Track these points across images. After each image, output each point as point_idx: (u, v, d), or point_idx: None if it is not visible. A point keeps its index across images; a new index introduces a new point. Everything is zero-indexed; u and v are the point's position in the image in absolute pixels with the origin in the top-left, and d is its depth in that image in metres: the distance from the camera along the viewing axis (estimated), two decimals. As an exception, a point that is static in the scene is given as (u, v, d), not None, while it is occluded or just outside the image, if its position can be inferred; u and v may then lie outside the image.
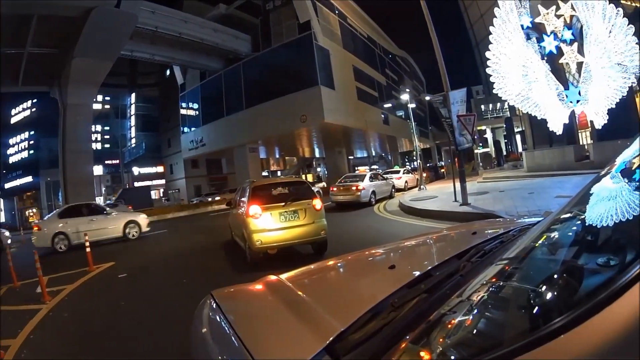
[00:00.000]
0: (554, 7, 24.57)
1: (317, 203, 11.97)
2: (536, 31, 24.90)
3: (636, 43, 22.28)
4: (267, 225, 11.19)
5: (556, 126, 24.71)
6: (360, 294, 2.44)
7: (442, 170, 57.75)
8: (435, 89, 34.18)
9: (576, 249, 1.65)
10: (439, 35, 18.88)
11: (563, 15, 24.48)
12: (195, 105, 60.90)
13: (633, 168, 1.64)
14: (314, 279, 3.00)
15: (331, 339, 1.63)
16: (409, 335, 1.53)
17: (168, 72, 68.27)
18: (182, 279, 11.08)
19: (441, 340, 1.47)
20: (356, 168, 69.09)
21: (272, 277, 2.68)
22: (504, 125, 62.84)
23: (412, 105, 39.45)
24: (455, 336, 1.46)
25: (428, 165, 65.49)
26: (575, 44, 24.17)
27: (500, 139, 69.34)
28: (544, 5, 24.87)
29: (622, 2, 24.12)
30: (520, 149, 53.51)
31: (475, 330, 1.48)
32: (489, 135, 70.92)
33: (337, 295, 2.45)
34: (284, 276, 2.70)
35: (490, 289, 1.71)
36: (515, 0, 24.30)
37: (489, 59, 23.90)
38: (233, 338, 1.85)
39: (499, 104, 68.85)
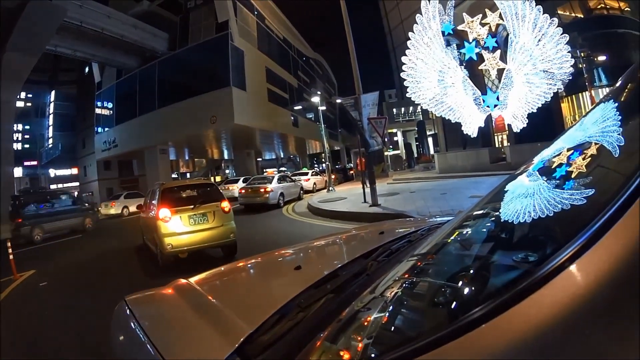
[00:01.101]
0: (480, 16, 25.44)
1: (226, 205, 12.27)
2: (458, 38, 25.76)
3: (568, 51, 23.16)
4: (177, 228, 11.30)
5: (471, 129, 25.41)
6: (268, 296, 2.47)
7: (351, 172, 57.89)
8: (347, 92, 34.69)
9: (491, 245, 1.67)
10: (357, 39, 18.88)
11: (489, 23, 25.30)
12: (110, 105, 58.89)
13: (552, 167, 1.65)
14: (222, 281, 3.03)
15: (241, 341, 1.65)
16: (320, 334, 1.54)
17: (87, 69, 64.89)
18: (99, 286, 10.90)
19: (357, 337, 1.47)
20: (264, 170, 68.80)
21: (182, 281, 2.69)
22: (416, 128, 64.07)
23: (322, 108, 39.65)
24: (370, 332, 1.45)
25: (337, 167, 65.46)
26: (498, 52, 25.04)
27: (411, 141, 70.34)
28: (469, 14, 25.83)
29: (559, 12, 25.40)
30: (432, 152, 54.63)
31: (390, 326, 1.47)
32: (399, 137, 71.68)
33: (244, 297, 2.49)
34: (193, 279, 2.73)
35: (403, 285, 1.71)
36: (440, 7, 25.00)
37: (404, 64, 24.37)
38: (148, 345, 1.83)
39: (411, 108, 70.30)
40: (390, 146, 68.98)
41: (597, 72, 38.79)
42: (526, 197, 1.56)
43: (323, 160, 55.91)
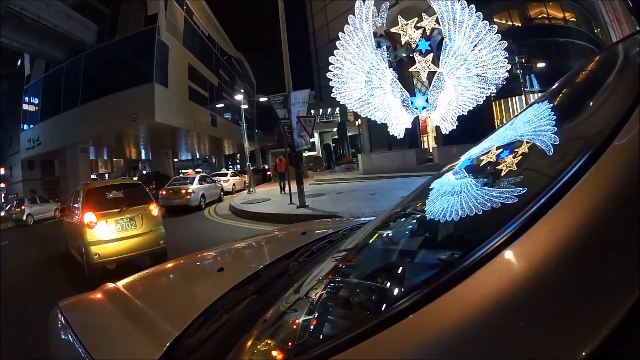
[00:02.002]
0: (415, 19, 26.34)
1: (154, 208, 11.04)
2: (390, 40, 26.81)
3: (505, 57, 24.41)
4: (104, 235, 9.96)
5: (397, 130, 26.44)
6: (192, 298, 2.45)
7: (269, 173, 56.45)
8: (266, 92, 34.33)
9: (415, 244, 1.66)
10: (278, 38, 18.45)
11: (424, 27, 26.33)
12: (36, 100, 54.38)
13: (480, 165, 1.75)
14: (149, 284, 2.98)
15: (168, 345, 1.65)
16: (247, 335, 1.54)
17: (19, 62, 60.86)
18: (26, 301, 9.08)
19: (285, 336, 1.48)
20: (180, 171, 67.01)
21: (110, 285, 2.64)
22: (336, 129, 64.45)
23: (245, 107, 38.84)
24: (297, 332, 1.44)
25: (253, 168, 65.01)
26: (431, 55, 26.07)
27: (329, 142, 70.69)
28: (404, 17, 26.54)
29: (495, 20, 26.94)
30: (352, 153, 55.09)
31: (315, 325, 1.45)
32: (316, 139, 71.68)
33: (170, 300, 2.47)
34: (120, 283, 2.67)
35: (327, 285, 1.69)
36: (374, 9, 25.60)
37: (331, 64, 25.29)
38: (81, 351, 1.81)
39: (329, 109, 70.55)
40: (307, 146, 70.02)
41: (536, 78, 40.91)
42: (452, 195, 1.60)
43: (238, 161, 55.15)
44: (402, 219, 2.00)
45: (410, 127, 27.13)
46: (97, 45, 47.71)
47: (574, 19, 46.05)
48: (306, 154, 66.13)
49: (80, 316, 2.37)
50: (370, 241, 1.95)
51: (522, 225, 0.98)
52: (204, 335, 1.70)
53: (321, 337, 1.37)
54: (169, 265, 3.50)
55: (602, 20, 47.09)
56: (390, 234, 1.93)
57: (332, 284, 1.69)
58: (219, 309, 1.93)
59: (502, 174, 1.46)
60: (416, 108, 26.25)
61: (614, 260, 0.83)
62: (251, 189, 30.85)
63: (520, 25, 44.03)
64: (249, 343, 1.48)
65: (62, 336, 2.14)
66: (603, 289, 0.80)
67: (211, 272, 2.83)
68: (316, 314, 1.50)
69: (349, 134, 60.29)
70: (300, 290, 1.73)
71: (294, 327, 1.49)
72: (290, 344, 1.40)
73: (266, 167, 68.70)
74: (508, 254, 0.95)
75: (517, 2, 44.04)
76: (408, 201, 2.07)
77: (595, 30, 46.79)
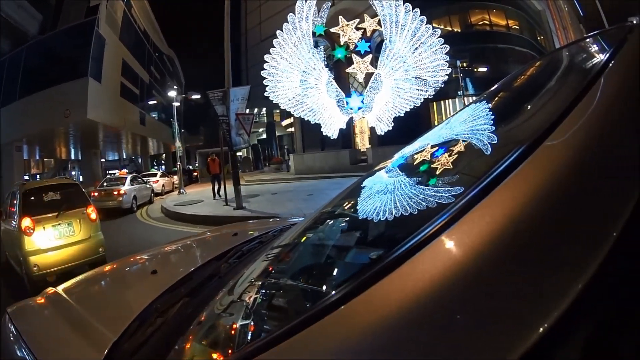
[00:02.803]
0: (357, 20, 26.78)
1: (92, 212, 10.10)
2: (328, 40, 27.04)
3: (445, 61, 25.06)
4: (43, 243, 9.01)
5: (331, 131, 26.88)
6: (128, 301, 2.46)
7: (195, 173, 55.98)
8: (195, 91, 33.71)
9: (345, 242, 1.71)
10: (212, 37, 18.23)
11: (365, 28, 26.75)
12: None
13: (414, 163, 1.80)
14: (87, 288, 2.96)
15: (107, 350, 1.67)
16: (181, 338, 1.56)
17: None
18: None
19: (219, 337, 1.53)
20: (107, 172, 65.51)
21: (52, 290, 2.63)
22: (262, 130, 64.52)
23: (177, 104, 37.56)
24: (230, 332, 1.50)
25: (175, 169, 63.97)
26: (370, 56, 26.51)
27: (256, 143, 70.63)
28: (346, 17, 26.96)
29: (434, 25, 27.01)
30: (281, 153, 55.23)
31: (248, 325, 1.48)
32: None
33: (107, 304, 2.45)
34: (61, 288, 2.65)
35: (258, 285, 1.73)
36: (315, 8, 25.96)
37: (263, 63, 25.53)
38: (29, 358, 1.83)
39: (256, 109, 69.84)
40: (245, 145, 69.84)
41: (476, 82, 41.56)
42: (385, 194, 1.63)
43: (163, 161, 54.22)
44: (333, 218, 2.06)
45: (344, 127, 27.49)
46: (39, 37, 45.36)
47: (517, 27, 47.70)
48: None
49: (27, 322, 2.33)
50: (300, 241, 2.01)
51: (446, 222, 0.98)
52: (141, 339, 1.69)
53: (252, 337, 1.39)
54: (106, 268, 3.40)
55: (548, 28, 49.66)
56: (320, 234, 1.99)
57: (262, 285, 1.73)
58: (153, 312, 1.94)
59: (436, 172, 1.50)
60: (351, 109, 26.58)
61: (538, 259, 0.84)
62: (181, 190, 30.01)
63: (459, 30, 45.22)
64: (187, 346, 1.52)
65: (12, 342, 2.10)
66: (525, 289, 0.80)
67: (145, 275, 2.86)
68: (249, 315, 1.51)
69: (277, 134, 60.61)
70: (232, 292, 1.76)
71: (228, 328, 1.52)
72: (225, 345, 1.44)
73: (191, 167, 67.88)
74: (430, 252, 0.95)
75: (459, 8, 45.03)
76: (339, 200, 2.14)
77: (539, 38, 49.44)
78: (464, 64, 36.46)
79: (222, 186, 20.51)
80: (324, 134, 27.22)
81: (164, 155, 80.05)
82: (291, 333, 1.00)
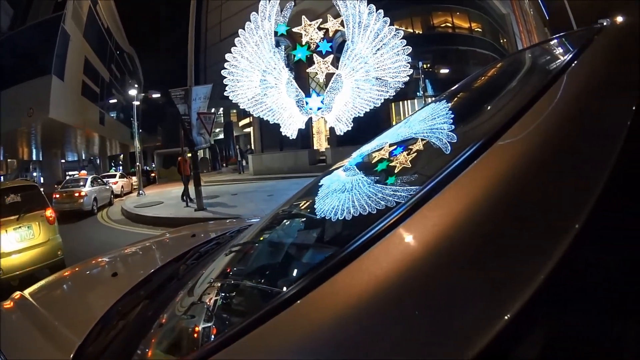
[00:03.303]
0: (320, 20, 27.06)
1: (51, 214, 9.85)
2: (290, 40, 27.21)
3: (407, 62, 25.42)
4: (7, 246, 8.82)
5: (290, 131, 27.08)
6: (90, 305, 2.45)
7: (153, 174, 54.95)
8: (152, 90, 33.43)
9: (304, 240, 1.74)
10: (172, 35, 18.18)
11: (328, 28, 26.98)
12: None
13: (373, 162, 1.80)
14: (51, 292, 2.93)
15: (72, 355, 1.67)
16: (143, 341, 1.57)
17: None
18: None
19: (180, 339, 1.54)
20: (67, 173, 64.41)
21: (18, 294, 2.60)
22: (219, 130, 63.98)
23: (137, 103, 36.24)
24: (191, 333, 1.52)
25: (133, 170, 63.11)
26: (331, 57, 26.74)
27: (213, 143, 70.02)
28: (307, 17, 27.15)
29: (396, 27, 27.11)
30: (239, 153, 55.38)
31: (208, 326, 1.49)
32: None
33: (71, 308, 2.44)
34: (27, 292, 2.63)
35: (217, 286, 1.74)
36: (277, 8, 26.08)
37: (221, 62, 25.61)
38: None
39: (213, 109, 69.42)
40: (186, 147, 69.27)
41: (438, 84, 41.64)
42: (343, 192, 1.65)
43: (121, 162, 53.58)
44: (290, 218, 2.10)
45: (303, 127, 27.70)
46: (8, 32, 44.80)
47: (480, 29, 48.53)
48: (189, 154, 65.48)
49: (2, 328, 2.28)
50: (258, 241, 2.03)
51: (397, 219, 0.99)
52: (104, 343, 1.70)
53: (213, 337, 1.40)
54: (69, 272, 3.31)
55: (511, 31, 50.35)
56: (277, 233, 2.03)
57: (222, 286, 1.74)
58: (115, 315, 1.95)
59: (394, 171, 1.52)
60: (311, 109, 26.79)
61: (489, 255, 0.85)
62: (141, 192, 29.28)
63: (421, 32, 45.58)
64: (149, 349, 1.54)
65: None
66: (479, 285, 0.81)
67: (106, 278, 2.88)
68: (209, 317, 1.52)
69: (235, 134, 59.99)
70: (192, 293, 1.78)
71: (190, 330, 1.54)
72: (186, 347, 1.46)
73: (148, 168, 67.13)
74: (381, 248, 0.96)
75: (422, 10, 45.56)
76: (296, 199, 2.20)
77: (502, 41, 50.30)
78: (426, 66, 36.44)
79: (187, 188, 19.88)
80: (283, 134, 27.38)
81: (121, 156, 79.10)
82: (245, 332, 1.02)
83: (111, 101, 58.05)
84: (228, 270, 1.92)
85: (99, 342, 1.73)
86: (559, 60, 1.47)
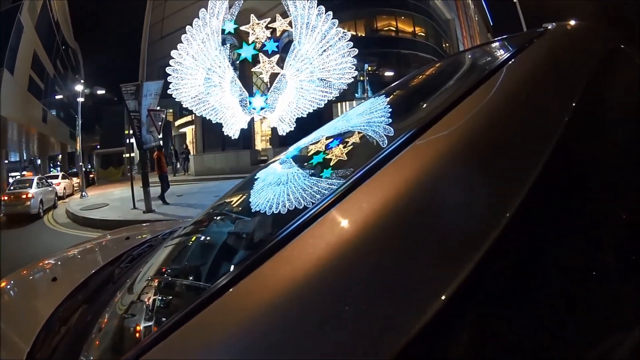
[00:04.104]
0: (268, 19, 26.98)
1: None
2: (236, 38, 26.94)
3: (353, 64, 25.58)
4: None
5: (233, 131, 26.91)
6: (35, 311, 2.32)
7: (92, 175, 53.40)
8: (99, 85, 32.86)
9: (237, 235, 1.74)
10: (113, 31, 17.82)
11: (275, 28, 26.92)
12: None
13: (309, 154, 1.83)
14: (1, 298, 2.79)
15: None
16: (85, 346, 1.55)
17: None
18: None
19: (119, 342, 1.53)
20: (9, 174, 62.62)
21: None
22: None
23: (81, 100, 34.49)
24: (131, 335, 1.50)
25: (74, 170, 61.41)
26: (277, 56, 26.66)
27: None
28: (257, 16, 27.07)
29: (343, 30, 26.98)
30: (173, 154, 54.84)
31: (147, 327, 1.47)
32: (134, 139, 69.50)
33: (18, 314, 2.33)
34: None
35: (154, 285, 1.71)
36: (226, 5, 26.12)
37: (162, 60, 25.66)
38: None
39: (158, 107, 68.54)
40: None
41: (380, 85, 42.00)
42: (279, 185, 1.64)
43: (59, 163, 52.45)
44: (224, 213, 2.08)
45: (246, 127, 27.62)
46: None
47: (423, 34, 49.50)
48: (125, 155, 64.16)
49: None
50: (193, 238, 2.03)
51: (323, 209, 0.99)
52: (49, 350, 1.68)
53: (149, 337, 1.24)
54: (12, 278, 3.16)
55: (455, 36, 51.85)
56: (212, 229, 2.01)
57: (158, 283, 1.73)
58: (57, 320, 1.92)
59: (330, 164, 1.52)
60: (254, 108, 26.70)
61: (397, 259, 0.83)
62: (84, 193, 28.15)
63: (364, 35, 46.01)
64: (92, 354, 1.52)
65: None
66: (390, 289, 0.79)
67: (47, 283, 2.81)
68: (148, 315, 1.50)
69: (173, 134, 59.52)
70: (130, 292, 1.78)
71: (130, 329, 1.54)
72: (128, 346, 1.44)
73: (84, 169, 65.67)
74: (303, 240, 0.95)
75: (367, 13, 46.25)
76: (230, 195, 2.20)
77: (444, 45, 51.32)
78: (371, 68, 37.58)
79: (164, 188, 19.31)
80: (226, 133, 27.24)
81: (60, 156, 77.27)
82: (174, 328, 0.97)
83: (57, 97, 55.69)
84: (164, 267, 1.89)
85: (44, 350, 1.70)
86: (495, 61, 1.47)
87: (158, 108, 18.15)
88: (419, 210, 0.88)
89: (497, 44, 1.96)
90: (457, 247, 0.82)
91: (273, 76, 26.61)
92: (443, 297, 0.73)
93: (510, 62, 1.31)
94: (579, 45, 1.44)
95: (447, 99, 1.22)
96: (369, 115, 1.72)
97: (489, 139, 1.00)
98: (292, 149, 2.08)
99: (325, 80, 25.72)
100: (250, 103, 26.56)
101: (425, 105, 1.58)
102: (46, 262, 3.38)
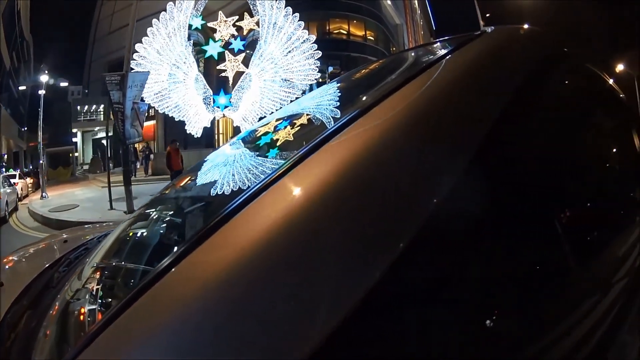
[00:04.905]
0: (236, 17, 26.88)
1: None
2: (203, 34, 26.71)
3: (316, 66, 25.92)
4: None
5: (196, 129, 26.60)
6: None
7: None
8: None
9: (180, 219, 1.76)
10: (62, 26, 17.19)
11: (243, 27, 26.73)
12: None
13: (257, 135, 1.85)
14: None
15: None
16: (33, 352, 1.47)
17: None
18: None
19: (63, 347, 1.45)
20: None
21: None
22: (103, 128, 61.64)
23: (42, 92, 33.21)
24: (75, 340, 1.43)
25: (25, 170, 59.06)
26: (242, 55, 26.56)
27: (89, 142, 66.99)
28: (225, 13, 27.27)
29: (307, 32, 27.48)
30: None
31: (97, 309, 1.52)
32: (79, 138, 67.31)
33: None
34: None
35: (100, 271, 1.76)
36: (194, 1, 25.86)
37: (137, 52, 24.47)
38: None
39: (94, 106, 66.30)
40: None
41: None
42: (225, 166, 1.66)
43: (5, 163, 50.78)
44: (171, 195, 2.15)
45: (209, 126, 27.47)
46: None
47: (373, 38, 51.35)
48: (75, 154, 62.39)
49: None
50: (136, 226, 1.97)
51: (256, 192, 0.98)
52: (3, 356, 1.62)
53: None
54: None
55: (402, 41, 53.07)
56: (157, 215, 1.95)
57: (104, 269, 1.75)
58: (6, 327, 1.83)
59: (281, 144, 1.51)
60: (218, 107, 26.59)
61: (305, 262, 0.82)
62: (44, 194, 25.80)
63: (315, 37, 46.74)
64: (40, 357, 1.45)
65: None
66: (296, 293, 0.79)
67: None
68: (89, 317, 1.48)
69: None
70: (63, 303, 1.71)
71: (72, 333, 1.49)
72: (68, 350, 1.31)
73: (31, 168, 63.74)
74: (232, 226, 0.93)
75: (320, 16, 46.63)
76: (180, 178, 2.30)
77: (392, 49, 52.42)
78: (336, 70, 38.37)
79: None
80: (188, 132, 26.87)
81: (5, 155, 74.81)
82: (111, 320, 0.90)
83: (3, 94, 53.26)
84: (111, 254, 1.85)
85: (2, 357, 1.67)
86: (427, 60, 1.48)
87: (142, 100, 17.17)
88: (331, 210, 0.85)
89: (436, 44, 2.01)
90: (370, 248, 0.80)
91: (238, 75, 26.51)
92: (355, 298, 0.72)
93: (441, 62, 1.30)
94: (514, 47, 1.45)
95: (374, 95, 1.21)
96: (321, 98, 1.76)
97: (409, 136, 0.98)
98: (244, 132, 2.13)
99: (288, 80, 25.97)
100: (214, 101, 26.42)
101: (349, 102, 1.59)
102: None
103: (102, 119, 57.72)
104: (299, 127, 1.56)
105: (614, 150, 1.79)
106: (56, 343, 1.48)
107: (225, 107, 26.42)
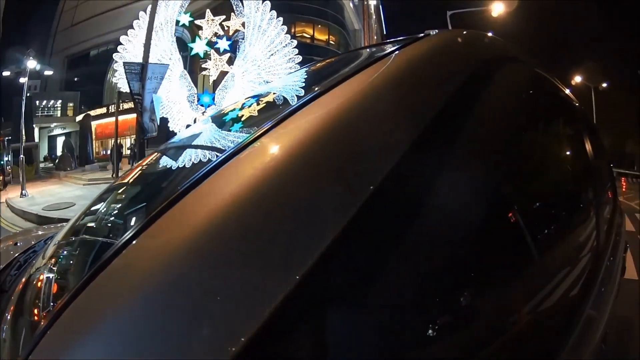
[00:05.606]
0: (224, 17, 26.61)
1: None
2: (190, 32, 26.63)
3: (297, 70, 25.40)
4: None
5: (179, 126, 26.18)
6: None
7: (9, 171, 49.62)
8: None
9: (149, 192, 1.74)
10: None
11: (230, 27, 26.58)
12: None
13: (226, 112, 1.95)
14: None
15: None
16: None
17: None
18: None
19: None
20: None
21: None
22: (66, 126, 59.61)
23: (24, 80, 30.47)
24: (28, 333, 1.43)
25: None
26: (227, 55, 26.51)
27: (44, 138, 64.71)
28: (213, 12, 27.02)
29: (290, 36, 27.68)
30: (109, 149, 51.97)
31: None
32: (36, 134, 64.73)
33: None
34: None
35: (46, 288, 1.56)
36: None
37: (122, 44, 24.60)
38: None
39: (52, 101, 64.10)
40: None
41: None
42: (194, 139, 1.75)
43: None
44: (140, 173, 2.06)
45: (192, 124, 25.97)
46: None
47: (334, 42, 52.43)
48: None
49: None
50: (103, 200, 1.94)
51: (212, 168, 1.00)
52: None
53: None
54: None
55: (360, 44, 54.36)
56: (124, 190, 1.96)
57: (67, 244, 1.73)
58: None
59: (246, 119, 1.58)
60: (202, 105, 26.41)
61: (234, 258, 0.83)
62: (24, 192, 23.41)
63: None
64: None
65: None
66: (228, 287, 0.79)
67: None
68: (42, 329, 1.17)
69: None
70: (19, 309, 1.62)
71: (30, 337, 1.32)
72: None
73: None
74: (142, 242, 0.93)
75: (287, 19, 46.43)
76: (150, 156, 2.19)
77: None
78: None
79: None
80: (171, 129, 26.22)
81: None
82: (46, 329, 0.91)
83: None
84: (74, 230, 1.82)
85: None
86: (368, 60, 1.49)
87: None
88: (260, 209, 0.86)
89: (381, 46, 1.99)
90: (295, 248, 0.81)
91: (222, 74, 26.53)
92: (279, 299, 0.73)
93: (382, 60, 1.31)
94: (454, 49, 1.48)
95: (313, 91, 1.23)
96: (290, 78, 1.89)
97: (338, 134, 0.99)
98: (214, 111, 2.02)
99: (270, 82, 24.95)
100: (198, 99, 26.31)
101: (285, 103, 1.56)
102: None
103: (58, 115, 56.25)
104: (265, 104, 1.60)
105: (564, 151, 1.87)
106: (14, 345, 1.43)
107: (208, 105, 26.25)
